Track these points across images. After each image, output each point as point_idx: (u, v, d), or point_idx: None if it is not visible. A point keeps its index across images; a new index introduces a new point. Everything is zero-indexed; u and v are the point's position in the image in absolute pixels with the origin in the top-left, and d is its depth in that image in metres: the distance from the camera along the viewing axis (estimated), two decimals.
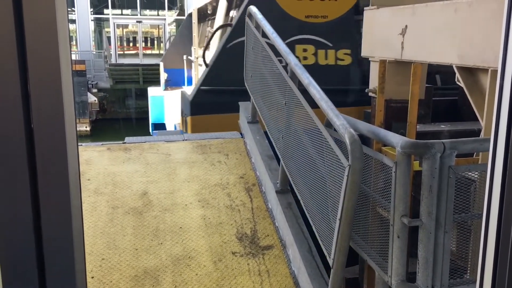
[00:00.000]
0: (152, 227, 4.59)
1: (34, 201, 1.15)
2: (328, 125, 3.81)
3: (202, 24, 16.41)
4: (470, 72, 4.20)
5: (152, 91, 16.56)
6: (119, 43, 38.21)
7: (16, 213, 1.15)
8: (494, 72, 3.80)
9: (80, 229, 1.22)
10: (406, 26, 4.97)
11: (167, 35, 33.41)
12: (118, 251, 4.26)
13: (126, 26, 40.41)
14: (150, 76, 26.87)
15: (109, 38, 35.14)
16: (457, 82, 4.72)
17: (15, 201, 1.14)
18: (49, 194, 1.16)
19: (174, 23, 34.28)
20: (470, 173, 3.17)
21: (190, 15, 16.23)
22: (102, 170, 5.46)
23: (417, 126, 5.17)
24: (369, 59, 5.92)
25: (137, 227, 4.59)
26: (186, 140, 6.40)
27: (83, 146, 5.98)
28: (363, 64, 7.34)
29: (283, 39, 4.81)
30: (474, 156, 4.29)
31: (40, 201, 1.16)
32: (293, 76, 4.38)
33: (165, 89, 15.70)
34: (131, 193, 5.11)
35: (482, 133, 4.04)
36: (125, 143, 6.21)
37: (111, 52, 33.06)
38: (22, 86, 1.10)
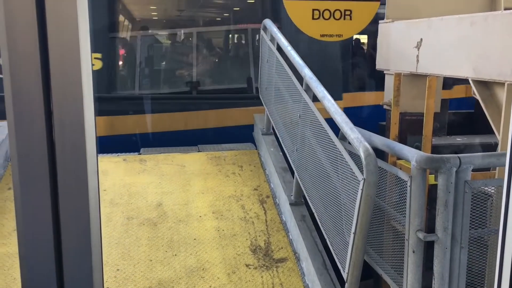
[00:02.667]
0: (167, 238, 4.62)
1: (54, 211, 1.17)
2: (343, 137, 3.82)
3: None
4: (486, 86, 4.17)
5: None
6: None
7: (37, 222, 1.17)
8: (511, 85, 3.78)
9: (98, 240, 1.24)
10: (421, 39, 4.97)
11: None
12: (132, 262, 4.29)
13: None
14: None
15: None
16: (473, 95, 4.69)
17: (37, 210, 1.16)
18: (68, 205, 1.18)
19: None
20: (486, 188, 3.14)
21: None
22: (118, 181, 5.52)
23: (433, 139, 5.15)
24: (384, 72, 5.91)
25: (152, 238, 4.62)
26: (200, 151, 6.44)
27: (99, 157, 6.04)
28: None
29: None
30: (491, 170, 4.25)
31: (60, 211, 1.18)
32: (308, 89, 4.40)
33: None
34: (146, 204, 5.15)
35: (498, 147, 4.00)
36: (140, 154, 6.27)
37: None
38: (45, 98, 1.12)
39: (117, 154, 6.11)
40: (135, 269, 4.21)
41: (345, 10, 5.43)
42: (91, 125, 1.19)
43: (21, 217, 1.18)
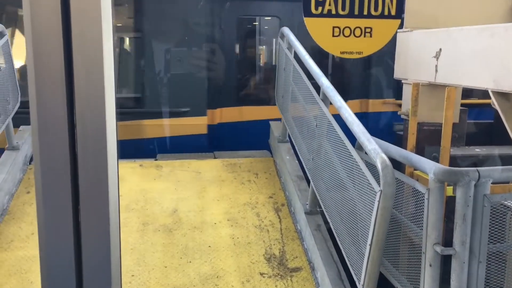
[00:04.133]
0: (182, 245, 4.64)
1: (75, 216, 1.19)
2: (359, 147, 3.80)
3: None
4: (506, 97, 4.11)
5: None
6: None
7: (58, 227, 1.19)
8: None
9: (117, 245, 1.26)
10: (440, 49, 4.93)
11: None
12: (147, 268, 4.31)
13: None
14: None
15: None
16: (492, 106, 4.62)
17: (58, 215, 1.18)
18: (89, 210, 1.20)
19: None
20: (506, 201, 3.09)
21: None
22: (134, 187, 5.57)
23: (451, 150, 5.08)
24: (402, 81, 5.87)
25: (167, 244, 4.64)
26: (216, 158, 6.46)
27: None
28: None
29: None
30: (510, 183, 4.18)
31: (81, 216, 1.19)
32: (325, 99, 4.39)
33: None
34: (162, 210, 5.18)
35: None
36: (156, 160, 6.32)
37: None
38: (68, 104, 1.14)
39: (133, 160, 6.16)
40: (150, 275, 4.23)
41: (365, 28, 5.43)
42: (112, 130, 1.20)
43: (43, 222, 1.20)
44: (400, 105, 7.58)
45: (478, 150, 6.19)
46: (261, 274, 4.34)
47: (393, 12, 5.42)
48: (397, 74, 5.85)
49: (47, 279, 1.21)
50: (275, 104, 6.52)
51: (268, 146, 6.77)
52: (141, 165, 6.11)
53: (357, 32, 5.48)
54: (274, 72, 7.17)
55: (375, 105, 7.94)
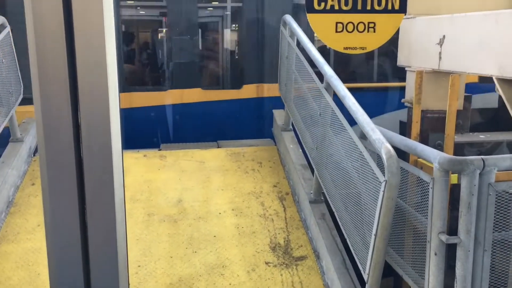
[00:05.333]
0: (187, 235, 4.66)
1: (81, 208, 1.20)
2: (363, 136, 3.79)
3: None
4: (511, 85, 4.09)
5: None
6: None
7: (64, 219, 1.20)
8: None
9: (123, 235, 1.28)
10: (444, 36, 4.89)
11: None
12: (153, 258, 4.35)
13: None
14: None
15: None
16: (496, 91, 4.60)
17: (64, 206, 1.20)
18: (95, 201, 1.21)
19: None
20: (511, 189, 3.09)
21: None
22: (138, 177, 5.58)
23: (455, 136, 5.07)
24: (406, 68, 5.84)
25: (172, 234, 4.67)
26: (220, 147, 6.47)
27: None
28: None
29: None
30: None
31: (87, 208, 1.21)
32: (328, 87, 4.37)
33: None
34: (166, 201, 5.20)
35: None
36: (160, 150, 6.33)
37: None
38: (72, 96, 1.15)
39: (137, 150, 6.17)
40: (156, 265, 4.26)
41: (368, 23, 5.39)
42: (116, 121, 1.21)
43: (49, 214, 1.22)
44: None
45: (482, 137, 6.17)
46: (267, 263, 4.37)
47: (396, 7, 5.37)
48: (400, 62, 5.81)
49: (54, 271, 1.23)
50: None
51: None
52: (145, 155, 6.12)
53: (361, 27, 5.44)
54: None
55: (270, 90, 7.75)
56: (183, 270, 4.22)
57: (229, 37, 8.40)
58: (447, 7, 5.37)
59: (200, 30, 8.16)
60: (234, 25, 8.37)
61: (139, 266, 4.25)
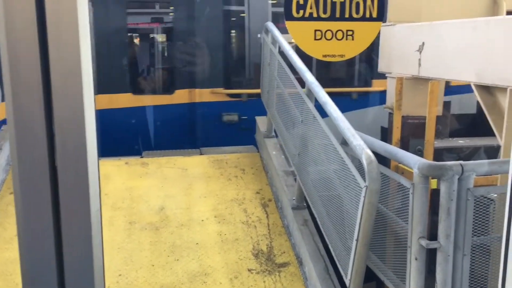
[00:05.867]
0: (169, 243, 4.62)
1: (55, 216, 1.18)
2: (344, 142, 3.81)
3: None
4: (489, 91, 4.16)
5: None
6: None
7: (37, 227, 1.18)
8: None
9: (99, 244, 1.25)
10: (424, 43, 4.96)
11: None
12: (135, 267, 4.30)
13: None
14: None
15: None
16: (475, 97, 4.68)
17: (37, 214, 1.17)
18: (70, 209, 1.19)
19: None
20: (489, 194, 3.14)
21: None
22: (120, 185, 5.53)
23: (435, 142, 5.14)
24: (386, 75, 5.91)
25: (154, 242, 4.62)
26: (203, 154, 6.45)
27: (101, 161, 6.06)
28: None
29: None
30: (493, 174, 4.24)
31: (61, 216, 1.18)
32: (310, 94, 4.39)
33: None
34: (148, 208, 5.15)
35: (501, 153, 3.99)
36: (142, 157, 6.28)
37: None
38: (46, 102, 1.13)
39: (118, 158, 6.11)
40: (138, 274, 4.22)
41: (347, 31, 5.46)
42: (91, 129, 1.20)
43: (22, 222, 1.19)
44: (229, 95, 7.82)
45: (461, 142, 6.27)
46: (249, 270, 4.35)
47: (374, 15, 5.44)
48: (381, 68, 5.88)
49: (28, 283, 1.20)
50: None
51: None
52: (126, 162, 6.07)
53: (339, 35, 5.50)
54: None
55: (203, 95, 7.90)
56: (165, 279, 4.18)
57: (160, 41, 8.42)
58: (426, 14, 5.46)
59: (129, 35, 8.14)
60: (165, 30, 8.37)
61: (120, 275, 4.19)
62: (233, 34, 8.72)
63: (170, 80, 8.16)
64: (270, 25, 5.85)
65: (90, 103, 1.19)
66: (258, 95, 8.10)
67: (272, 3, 8.43)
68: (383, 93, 8.20)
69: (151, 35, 8.42)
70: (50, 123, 1.14)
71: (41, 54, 1.11)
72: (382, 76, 8.25)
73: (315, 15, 5.44)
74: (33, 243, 1.18)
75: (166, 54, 8.50)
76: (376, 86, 8.41)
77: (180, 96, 7.87)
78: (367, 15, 5.42)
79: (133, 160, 6.14)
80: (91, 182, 1.21)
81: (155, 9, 8.26)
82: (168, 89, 8.08)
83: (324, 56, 5.62)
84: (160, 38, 8.45)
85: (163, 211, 5.12)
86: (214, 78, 8.01)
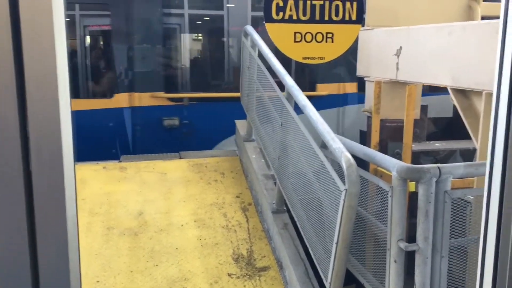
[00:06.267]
0: (148, 248, 4.56)
1: (30, 222, 1.15)
2: (324, 145, 3.82)
3: None
4: (464, 95, 4.24)
5: None
6: None
7: (11, 233, 1.14)
8: (488, 94, 3.84)
9: (76, 251, 1.22)
10: (401, 47, 5.02)
11: None
12: (113, 273, 4.23)
13: None
14: None
15: None
16: (451, 101, 4.75)
17: (11, 220, 1.14)
18: (44, 215, 1.16)
19: None
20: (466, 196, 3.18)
21: None
22: (97, 190, 5.44)
23: (413, 145, 5.20)
24: (365, 79, 5.96)
25: (133, 248, 4.56)
26: (182, 158, 6.40)
27: (78, 165, 5.96)
28: None
29: None
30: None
31: (36, 222, 1.15)
32: (290, 97, 4.40)
33: None
34: (127, 213, 5.08)
35: (477, 155, 4.06)
36: (120, 161, 6.20)
37: None
38: (20, 105, 1.10)
39: (96, 162, 6.02)
40: (116, 280, 4.15)
41: (327, 33, 5.49)
42: (68, 132, 1.17)
43: None
44: (170, 99, 7.81)
45: (438, 145, 6.36)
46: (229, 274, 4.32)
47: (354, 17, 5.48)
48: (359, 72, 5.93)
49: None
50: None
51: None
52: (104, 167, 5.98)
53: (319, 37, 5.52)
54: None
55: (142, 99, 7.81)
56: (143, 284, 4.12)
57: (96, 43, 8.37)
58: (404, 19, 5.53)
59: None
60: (104, 32, 8.30)
61: (98, 281, 4.12)
62: (173, 36, 8.55)
63: (109, 84, 8.05)
64: (250, 29, 5.85)
65: (66, 106, 1.16)
66: (201, 99, 8.09)
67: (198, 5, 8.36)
68: (327, 98, 8.34)
69: (89, 37, 8.25)
70: (24, 127, 1.12)
71: (15, 56, 1.08)
72: (326, 80, 8.17)
73: (294, 17, 5.45)
74: (7, 250, 1.15)
75: (105, 57, 8.36)
76: (320, 90, 8.43)
77: (119, 100, 7.78)
78: (347, 18, 5.46)
79: (111, 164, 6.06)
80: (67, 186, 1.18)
81: (93, 11, 8.14)
82: (106, 93, 7.95)
83: (304, 58, 5.64)
84: (98, 40, 8.33)
85: (142, 216, 5.06)
86: (154, 82, 7.89)
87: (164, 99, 7.86)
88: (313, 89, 8.51)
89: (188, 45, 8.58)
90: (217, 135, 7.87)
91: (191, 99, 8.04)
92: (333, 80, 8.54)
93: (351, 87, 8.48)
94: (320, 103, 8.17)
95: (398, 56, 5.11)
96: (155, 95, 7.80)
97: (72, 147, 1.18)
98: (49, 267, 1.18)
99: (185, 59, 8.47)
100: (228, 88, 8.42)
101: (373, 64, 5.59)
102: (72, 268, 1.21)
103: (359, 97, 7.89)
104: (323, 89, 8.46)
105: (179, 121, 7.95)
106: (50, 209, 1.16)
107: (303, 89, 7.65)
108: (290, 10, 5.44)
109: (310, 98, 8.31)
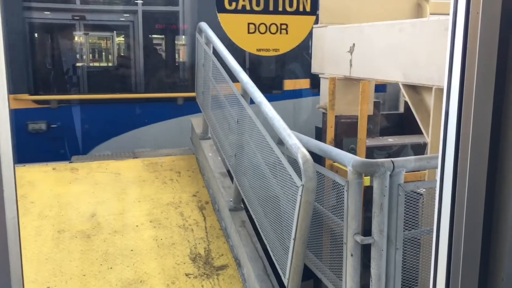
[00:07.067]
0: (101, 251, 4.42)
1: None
2: (280, 142, 3.82)
3: None
4: (415, 90, 4.35)
5: None
6: None
7: None
8: (438, 90, 3.95)
9: (18, 258, 1.15)
10: (354, 44, 5.10)
11: None
12: (64, 277, 4.07)
13: None
14: None
15: None
16: (403, 98, 4.87)
17: None
18: None
19: None
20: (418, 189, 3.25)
21: None
22: (47, 192, 5.23)
23: (366, 140, 5.30)
24: (319, 75, 6.02)
25: (85, 251, 4.40)
26: (136, 158, 6.25)
27: (26, 167, 5.71)
28: None
29: None
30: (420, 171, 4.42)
31: None
32: (245, 94, 4.37)
33: None
34: (78, 215, 4.91)
35: (428, 149, 4.18)
36: (71, 162, 5.99)
37: None
38: None
39: (46, 163, 5.79)
40: (68, 285, 3.99)
41: (281, 24, 5.43)
42: (5, 130, 1.10)
43: None
44: (35, 101, 7.38)
45: (391, 140, 6.51)
46: (187, 274, 4.25)
47: (308, 8, 5.48)
48: (314, 69, 5.98)
49: None
50: None
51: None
52: (54, 168, 5.75)
53: (273, 28, 5.49)
54: None
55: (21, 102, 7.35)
56: None
57: None
58: (356, 16, 5.62)
59: None
60: None
61: (48, 287, 3.95)
62: (40, 33, 7.92)
63: None
64: (204, 25, 5.77)
65: (3, 104, 1.09)
66: (70, 101, 7.56)
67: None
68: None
69: None
70: None
71: None
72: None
73: (248, 7, 5.38)
74: None
75: None
76: None
77: None
78: (301, 9, 5.45)
79: (61, 165, 5.84)
80: (6, 187, 1.11)
81: None
82: None
83: (258, 50, 5.61)
84: None
85: (95, 217, 4.90)
86: (17, 83, 7.26)
87: (30, 102, 7.29)
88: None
89: (56, 43, 7.84)
90: (91, 140, 7.45)
91: (60, 101, 7.47)
92: None
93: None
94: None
95: (351, 53, 5.19)
96: (18, 97, 7.20)
97: (11, 146, 1.11)
98: None
99: (53, 58, 7.88)
100: (102, 89, 7.94)
101: (327, 61, 5.65)
102: (14, 274, 1.13)
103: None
104: None
105: (46, 126, 7.39)
106: None
107: (184, 90, 7.24)
108: (243, 0, 5.38)
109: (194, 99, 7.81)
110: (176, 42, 8.68)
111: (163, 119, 7.72)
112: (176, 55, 8.71)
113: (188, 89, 7.71)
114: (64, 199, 5.16)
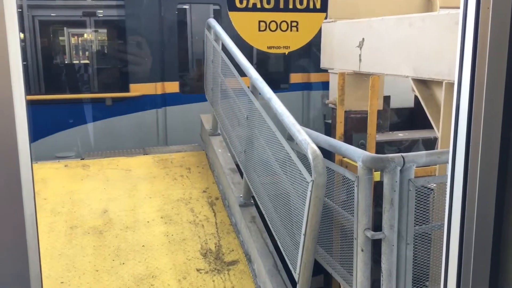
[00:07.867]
0: (113, 247, 4.47)
1: None
2: (290, 138, 3.83)
3: None
4: (425, 85, 4.32)
5: None
6: None
7: None
8: (449, 84, 3.93)
9: (36, 252, 1.17)
10: (363, 39, 5.08)
11: None
12: (77, 273, 4.12)
13: None
14: None
15: None
16: (413, 92, 4.85)
17: None
18: (1, 216, 1.11)
19: None
20: (429, 184, 3.25)
21: None
22: (60, 189, 5.28)
23: (376, 136, 5.28)
24: (328, 71, 6.01)
25: (98, 247, 4.45)
26: (147, 154, 6.29)
27: (38, 164, 5.77)
28: None
29: None
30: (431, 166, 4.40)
31: None
32: (255, 90, 4.38)
33: None
34: (91, 212, 4.96)
35: (438, 144, 4.16)
36: (83, 159, 6.04)
37: None
38: None
39: (57, 160, 5.85)
40: (81, 280, 4.04)
41: (291, 22, 5.43)
42: (23, 128, 1.12)
43: None
44: None
45: (401, 135, 6.48)
46: (198, 270, 4.28)
47: (318, 6, 5.47)
48: (323, 64, 5.97)
49: None
50: None
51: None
52: (66, 165, 5.81)
53: (284, 26, 5.48)
54: None
55: None
56: (110, 284, 4.03)
57: None
58: (365, 11, 5.60)
59: None
60: None
61: (62, 282, 4.00)
62: None
63: None
64: (212, 22, 5.78)
65: (21, 102, 1.11)
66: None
67: None
68: (140, 98, 7.77)
69: None
70: None
71: None
72: (139, 80, 7.68)
73: (258, 5, 5.38)
74: None
75: None
76: (134, 91, 7.81)
77: None
78: (311, 6, 5.43)
79: (73, 162, 5.90)
80: (24, 184, 1.13)
81: None
82: None
83: (269, 47, 5.60)
84: None
85: (107, 214, 4.95)
86: None
87: None
88: (126, 90, 7.84)
89: None
90: None
91: None
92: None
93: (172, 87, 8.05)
94: (134, 105, 7.71)
95: (360, 48, 5.17)
96: None
97: (28, 145, 1.14)
98: (7, 268, 1.13)
99: None
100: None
101: (337, 56, 5.64)
102: (32, 269, 1.16)
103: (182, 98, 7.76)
104: (137, 90, 7.80)
105: None
106: (7, 209, 1.11)
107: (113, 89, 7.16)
108: None
109: (124, 99, 7.64)
110: None
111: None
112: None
113: None
114: (76, 195, 5.21)
